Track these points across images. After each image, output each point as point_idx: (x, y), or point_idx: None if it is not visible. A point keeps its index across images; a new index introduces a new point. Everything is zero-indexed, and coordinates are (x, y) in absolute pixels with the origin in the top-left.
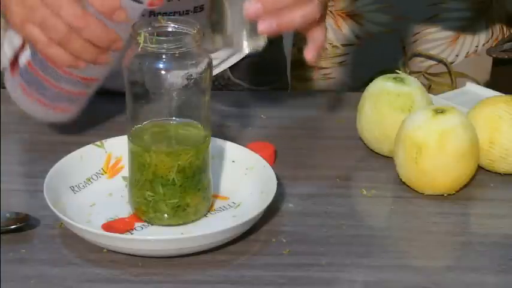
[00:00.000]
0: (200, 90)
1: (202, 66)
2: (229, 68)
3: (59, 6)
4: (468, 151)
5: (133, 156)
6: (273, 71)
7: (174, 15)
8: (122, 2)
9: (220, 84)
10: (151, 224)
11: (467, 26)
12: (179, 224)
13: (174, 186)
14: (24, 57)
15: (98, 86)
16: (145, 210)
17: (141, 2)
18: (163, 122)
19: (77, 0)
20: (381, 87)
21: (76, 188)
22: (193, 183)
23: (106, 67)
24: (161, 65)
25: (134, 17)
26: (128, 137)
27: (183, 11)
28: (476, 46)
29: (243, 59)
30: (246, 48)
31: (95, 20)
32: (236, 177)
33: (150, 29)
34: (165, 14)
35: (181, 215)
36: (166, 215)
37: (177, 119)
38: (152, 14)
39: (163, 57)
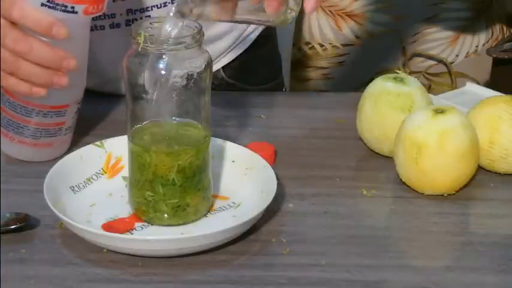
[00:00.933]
0: (200, 90)
1: (202, 66)
2: (223, 67)
3: (2, 36)
4: (468, 151)
5: (133, 156)
6: (268, 70)
7: (151, 9)
8: (54, 17)
9: (213, 84)
10: (151, 224)
11: (467, 26)
12: (179, 224)
13: (174, 186)
14: None
15: (75, 112)
16: (145, 210)
17: (75, 12)
18: (163, 122)
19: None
20: (381, 87)
21: (76, 188)
22: (193, 183)
23: (73, 91)
24: (161, 65)
25: (76, 30)
26: (128, 137)
27: (161, 4)
28: (476, 46)
29: (236, 58)
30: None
31: (38, 41)
32: (236, 177)
33: (150, 29)
34: (141, 9)
35: (181, 215)
36: (166, 215)
37: (177, 119)
38: (130, 11)
39: (163, 57)
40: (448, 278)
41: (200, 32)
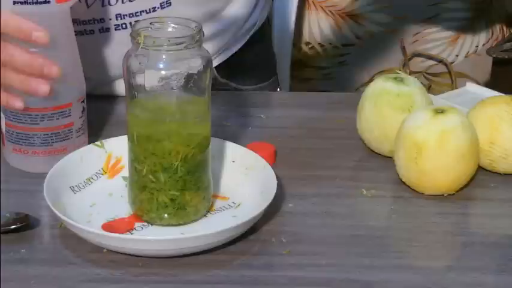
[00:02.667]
0: (200, 90)
1: (202, 66)
2: (216, 67)
3: None
4: (468, 151)
5: (136, 130)
6: (261, 70)
7: (140, 14)
8: (29, 12)
9: None
10: (151, 224)
11: (467, 26)
12: (179, 224)
13: (175, 175)
14: (2, 122)
15: (81, 112)
16: (148, 210)
17: (48, 2)
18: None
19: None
20: (381, 87)
21: (76, 188)
22: (193, 178)
23: (72, 87)
24: (161, 65)
25: (55, 23)
26: (130, 113)
27: (150, 9)
28: (476, 46)
29: (229, 58)
30: None
31: (19, 48)
32: (236, 177)
33: (150, 29)
34: (131, 14)
35: (181, 214)
36: (166, 215)
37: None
38: (119, 16)
39: (163, 57)
40: (448, 278)
41: (200, 32)
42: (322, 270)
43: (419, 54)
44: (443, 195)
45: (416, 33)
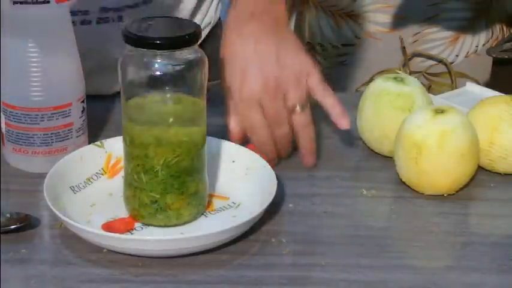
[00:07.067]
0: (195, 91)
1: (198, 67)
2: None
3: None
4: (468, 151)
5: (128, 134)
6: (210, 70)
7: (124, 10)
8: (29, 12)
9: None
10: (151, 224)
11: (467, 26)
12: (160, 226)
13: (156, 178)
14: (2, 122)
15: (81, 112)
16: (133, 206)
17: (47, 2)
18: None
19: None
20: (381, 87)
21: (76, 188)
22: (177, 183)
23: (71, 87)
24: (157, 66)
25: (56, 23)
26: (124, 113)
27: (133, 4)
28: (476, 46)
29: None
30: None
31: None
32: (236, 177)
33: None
34: (115, 8)
35: (161, 216)
36: (147, 214)
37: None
38: (104, 9)
39: (158, 58)
40: (448, 278)
41: (195, 32)
42: (322, 270)
43: (419, 54)
44: (443, 195)
45: (416, 33)
